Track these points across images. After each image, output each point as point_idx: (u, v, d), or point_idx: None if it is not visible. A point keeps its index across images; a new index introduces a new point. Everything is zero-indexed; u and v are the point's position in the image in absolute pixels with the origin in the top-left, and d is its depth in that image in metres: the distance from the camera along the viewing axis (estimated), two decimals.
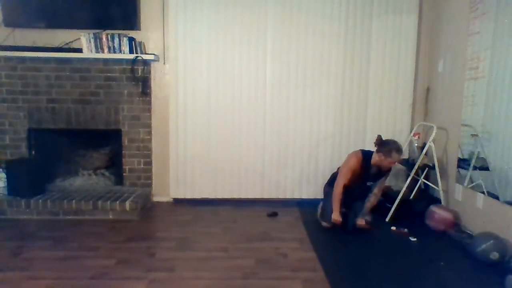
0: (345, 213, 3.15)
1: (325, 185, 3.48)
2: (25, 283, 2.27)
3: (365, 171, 3.16)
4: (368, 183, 3.24)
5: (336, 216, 3.09)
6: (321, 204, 3.39)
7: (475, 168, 3.03)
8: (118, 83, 3.74)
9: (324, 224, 3.22)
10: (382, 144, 3.09)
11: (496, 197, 2.77)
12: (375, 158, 3.12)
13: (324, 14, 3.76)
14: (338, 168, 3.33)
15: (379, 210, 3.56)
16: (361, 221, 3.15)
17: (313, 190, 3.90)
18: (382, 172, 3.17)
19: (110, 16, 3.62)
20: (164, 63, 3.82)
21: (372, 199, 3.22)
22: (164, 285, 2.26)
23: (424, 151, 3.46)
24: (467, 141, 3.16)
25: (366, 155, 3.18)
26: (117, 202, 3.44)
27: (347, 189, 3.15)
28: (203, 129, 3.85)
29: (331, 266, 2.52)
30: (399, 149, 3.05)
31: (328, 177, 3.46)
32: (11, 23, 3.61)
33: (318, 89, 3.86)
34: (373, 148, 3.19)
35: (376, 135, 3.18)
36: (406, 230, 3.16)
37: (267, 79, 3.83)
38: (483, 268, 2.52)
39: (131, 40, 3.62)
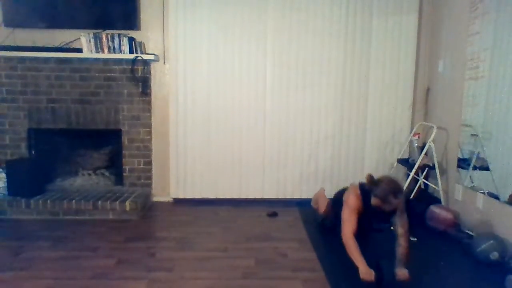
0: (377, 263, 2.29)
1: (329, 207, 3.09)
2: (25, 283, 2.27)
3: (369, 211, 2.50)
4: (377, 225, 2.68)
5: (365, 273, 2.25)
6: (313, 201, 3.35)
7: (475, 168, 3.03)
8: (118, 83, 3.74)
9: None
10: (376, 186, 2.44)
11: (496, 197, 2.77)
12: (373, 201, 2.45)
13: (324, 14, 3.76)
14: (341, 194, 2.78)
15: None
16: (402, 272, 2.25)
17: (313, 190, 3.89)
18: (390, 212, 2.44)
19: (110, 16, 3.62)
20: (164, 63, 3.82)
21: (401, 242, 2.40)
22: (164, 285, 2.27)
23: (424, 151, 3.46)
24: (467, 141, 3.16)
25: (365, 190, 2.54)
26: (117, 202, 3.44)
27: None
28: (203, 129, 3.85)
29: (331, 266, 2.53)
30: (396, 192, 2.35)
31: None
32: (11, 23, 3.61)
33: (318, 89, 3.86)
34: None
35: (367, 175, 2.54)
36: None
37: (267, 79, 3.83)
38: (483, 268, 2.53)
39: (131, 40, 3.62)
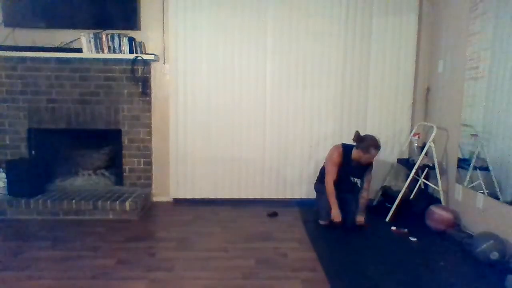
0: (344, 210, 3.21)
1: (315, 183, 3.56)
2: (25, 283, 2.27)
3: (347, 165, 3.25)
4: (352, 179, 3.31)
5: (335, 213, 3.17)
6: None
7: (475, 168, 3.03)
8: (118, 83, 3.74)
9: (321, 222, 3.27)
10: (361, 140, 3.18)
11: (496, 197, 2.77)
12: (354, 153, 3.21)
13: (324, 14, 3.76)
14: (325, 163, 3.39)
15: (379, 210, 3.57)
16: (360, 218, 3.21)
17: (313, 190, 3.89)
18: (364, 166, 3.25)
19: (110, 16, 3.62)
20: (164, 63, 3.82)
21: (364, 195, 3.28)
22: (164, 285, 2.27)
23: (424, 151, 3.45)
24: (467, 141, 3.16)
25: (347, 149, 3.26)
26: (117, 202, 3.44)
27: (334, 184, 3.25)
28: (203, 129, 3.85)
29: (331, 266, 2.52)
30: (377, 146, 3.14)
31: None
32: (11, 23, 3.61)
33: (318, 89, 3.86)
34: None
35: (354, 132, 3.25)
36: (406, 230, 3.16)
37: (267, 79, 3.83)
38: (483, 268, 2.53)
39: (131, 40, 3.62)
